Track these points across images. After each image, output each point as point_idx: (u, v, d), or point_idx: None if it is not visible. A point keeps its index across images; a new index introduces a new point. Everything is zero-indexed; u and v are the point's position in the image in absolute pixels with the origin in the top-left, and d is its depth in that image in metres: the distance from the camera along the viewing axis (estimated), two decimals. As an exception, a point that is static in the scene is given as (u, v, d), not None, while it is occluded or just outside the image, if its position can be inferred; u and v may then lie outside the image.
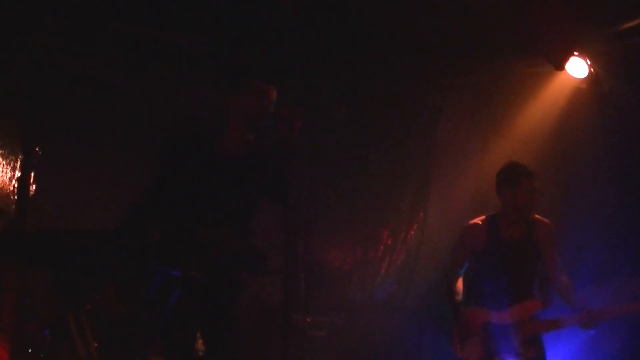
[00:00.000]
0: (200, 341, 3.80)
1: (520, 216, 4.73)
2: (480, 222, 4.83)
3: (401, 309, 6.75)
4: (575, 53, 5.77)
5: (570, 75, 5.88)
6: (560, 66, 5.67)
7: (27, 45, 5.74)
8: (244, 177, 3.61)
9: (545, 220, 4.79)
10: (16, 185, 5.72)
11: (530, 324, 4.58)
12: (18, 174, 5.72)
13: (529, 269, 4.71)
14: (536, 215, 4.77)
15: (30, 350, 5.19)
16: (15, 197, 5.71)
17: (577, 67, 5.82)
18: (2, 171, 5.61)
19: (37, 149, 5.89)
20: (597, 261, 5.65)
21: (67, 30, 5.78)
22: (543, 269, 4.74)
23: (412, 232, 6.95)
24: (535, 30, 5.38)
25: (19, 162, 5.74)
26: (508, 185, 4.72)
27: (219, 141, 3.67)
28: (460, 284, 4.87)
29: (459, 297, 4.82)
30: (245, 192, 3.61)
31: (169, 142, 3.75)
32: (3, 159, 5.63)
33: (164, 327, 3.56)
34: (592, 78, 5.86)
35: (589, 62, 5.78)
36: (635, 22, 5.35)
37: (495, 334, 4.59)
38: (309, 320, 6.27)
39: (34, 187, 5.84)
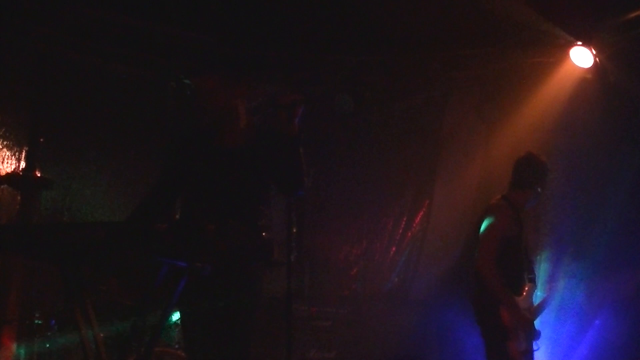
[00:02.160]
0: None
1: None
2: (506, 205, 4.76)
3: (406, 298, 6.76)
4: (580, 43, 5.76)
5: (576, 66, 5.87)
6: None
7: (33, 39, 5.74)
8: (245, 167, 3.59)
9: None
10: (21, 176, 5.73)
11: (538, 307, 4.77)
12: (23, 164, 5.73)
13: (529, 253, 4.87)
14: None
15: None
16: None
17: (583, 57, 5.80)
18: (8, 162, 5.63)
19: (41, 140, 5.91)
20: (601, 251, 5.66)
21: (71, 24, 5.78)
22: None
23: (418, 220, 6.95)
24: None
25: (24, 154, 5.75)
26: (541, 185, 4.79)
27: (217, 132, 3.67)
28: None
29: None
30: (247, 182, 3.59)
31: (172, 142, 3.75)
32: (8, 150, 5.64)
33: (182, 321, 3.58)
34: (597, 68, 5.84)
35: (594, 52, 5.76)
36: (641, 12, 5.34)
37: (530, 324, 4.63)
38: (314, 310, 6.28)
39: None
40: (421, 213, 6.95)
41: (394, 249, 6.99)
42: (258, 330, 3.62)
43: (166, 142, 3.91)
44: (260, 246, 3.48)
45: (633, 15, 5.41)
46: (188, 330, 3.55)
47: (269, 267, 3.58)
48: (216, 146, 3.62)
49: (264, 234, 3.58)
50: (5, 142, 5.63)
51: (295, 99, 3.42)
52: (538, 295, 4.85)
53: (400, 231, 7.00)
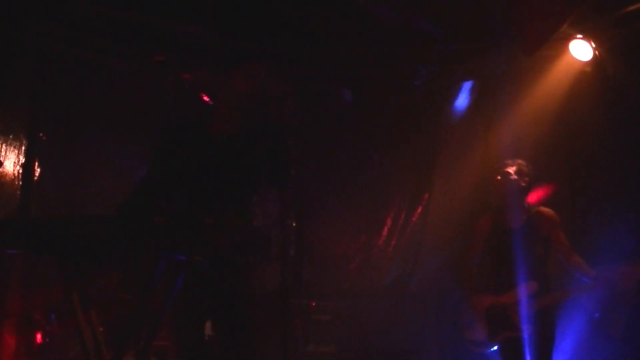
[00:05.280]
0: (207, 326, 3.81)
1: (512, 203, 5.04)
2: (487, 215, 5.24)
3: (405, 292, 6.76)
4: (579, 36, 5.75)
5: (575, 59, 5.85)
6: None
7: (32, 34, 5.74)
8: (236, 158, 3.60)
9: (547, 210, 5.06)
10: (21, 171, 5.73)
11: (531, 303, 4.87)
12: (22, 160, 5.74)
13: (529, 253, 4.93)
14: (541, 207, 5.08)
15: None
16: (20, 183, 5.73)
17: (582, 50, 5.79)
18: (7, 157, 5.63)
19: (41, 135, 5.91)
20: (601, 245, 5.66)
21: (71, 19, 5.78)
22: (554, 254, 5.03)
23: (416, 214, 6.96)
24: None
25: (23, 148, 5.75)
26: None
27: (208, 122, 3.67)
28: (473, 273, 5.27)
29: (471, 285, 5.22)
30: (239, 173, 3.60)
31: (166, 132, 3.74)
32: (8, 145, 5.64)
33: (172, 313, 3.58)
34: (596, 61, 5.83)
35: (594, 46, 5.75)
36: (640, 5, 5.32)
37: (497, 315, 4.99)
38: (314, 304, 6.30)
39: (38, 173, 5.85)
40: (420, 207, 6.95)
41: (392, 243, 6.99)
42: (256, 324, 3.63)
43: (159, 133, 3.89)
44: (259, 239, 3.48)
45: (633, 8, 5.39)
46: (190, 322, 3.55)
47: (267, 260, 3.58)
48: (206, 134, 3.62)
49: (258, 227, 3.59)
50: (4, 137, 5.63)
51: (285, 90, 3.42)
52: None
53: (399, 225, 7.00)
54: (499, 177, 5.07)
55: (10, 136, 5.67)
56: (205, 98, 6.11)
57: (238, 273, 3.51)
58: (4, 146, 5.61)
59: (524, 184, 5.02)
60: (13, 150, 5.68)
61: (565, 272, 5.08)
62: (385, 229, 7.04)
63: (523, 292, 4.87)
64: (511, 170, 5.03)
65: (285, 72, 6.20)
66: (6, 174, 5.62)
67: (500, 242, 5.05)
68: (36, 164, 5.83)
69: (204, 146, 3.59)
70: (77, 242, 2.90)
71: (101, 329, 3.19)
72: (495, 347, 5.07)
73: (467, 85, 6.75)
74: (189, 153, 3.59)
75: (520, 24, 5.30)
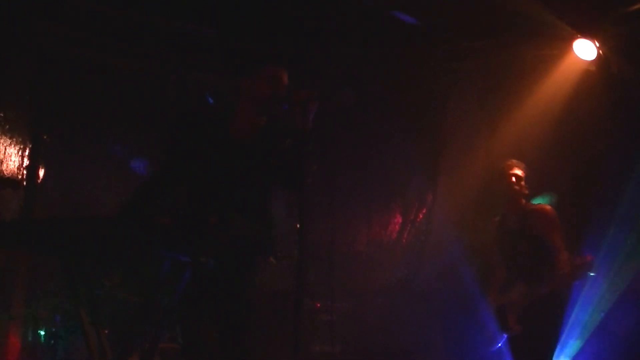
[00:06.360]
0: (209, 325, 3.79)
1: (515, 205, 5.02)
2: (498, 216, 5.23)
3: (410, 292, 6.75)
4: (583, 35, 5.75)
5: (579, 58, 5.85)
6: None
7: (32, 34, 5.74)
8: (254, 161, 3.59)
9: (541, 208, 5.01)
10: (25, 173, 5.73)
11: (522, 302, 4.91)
12: (26, 162, 5.74)
13: (526, 255, 4.95)
14: (535, 206, 5.04)
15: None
16: (24, 184, 5.73)
17: (586, 50, 5.78)
18: (11, 159, 5.63)
19: (45, 137, 5.91)
20: (604, 244, 5.65)
21: (74, 19, 5.78)
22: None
23: (421, 215, 6.94)
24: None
25: (27, 151, 5.75)
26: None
27: (227, 126, 3.65)
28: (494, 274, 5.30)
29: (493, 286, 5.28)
30: (255, 176, 3.59)
31: (178, 128, 3.73)
32: (12, 147, 5.64)
33: (180, 315, 3.57)
34: (600, 60, 5.82)
35: (598, 45, 5.74)
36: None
37: (500, 314, 5.05)
38: (318, 305, 6.29)
39: (42, 175, 5.86)
40: (424, 207, 6.94)
41: (397, 243, 6.98)
42: (261, 324, 3.62)
43: (170, 130, 3.87)
44: (262, 239, 3.47)
45: (637, 7, 5.38)
46: (188, 324, 3.54)
47: (271, 260, 3.58)
48: (225, 137, 3.61)
49: (268, 228, 3.58)
50: (7, 138, 5.63)
51: (310, 94, 3.41)
52: None
53: (405, 225, 6.99)
54: (514, 180, 5.03)
55: (13, 137, 5.67)
56: (210, 98, 6.09)
57: (242, 273, 3.50)
58: (6, 147, 5.61)
59: (527, 191, 5.05)
60: (16, 151, 5.68)
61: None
62: (390, 228, 7.03)
63: (516, 291, 4.92)
64: (521, 174, 5.03)
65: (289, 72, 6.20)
66: (9, 174, 5.62)
67: (503, 243, 5.10)
68: (39, 164, 5.83)
69: (216, 146, 3.58)
70: (81, 243, 2.89)
71: (106, 331, 3.19)
72: (499, 345, 5.09)
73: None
74: (198, 152, 3.58)
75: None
